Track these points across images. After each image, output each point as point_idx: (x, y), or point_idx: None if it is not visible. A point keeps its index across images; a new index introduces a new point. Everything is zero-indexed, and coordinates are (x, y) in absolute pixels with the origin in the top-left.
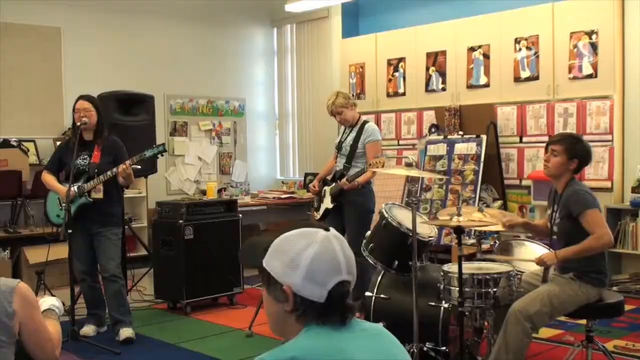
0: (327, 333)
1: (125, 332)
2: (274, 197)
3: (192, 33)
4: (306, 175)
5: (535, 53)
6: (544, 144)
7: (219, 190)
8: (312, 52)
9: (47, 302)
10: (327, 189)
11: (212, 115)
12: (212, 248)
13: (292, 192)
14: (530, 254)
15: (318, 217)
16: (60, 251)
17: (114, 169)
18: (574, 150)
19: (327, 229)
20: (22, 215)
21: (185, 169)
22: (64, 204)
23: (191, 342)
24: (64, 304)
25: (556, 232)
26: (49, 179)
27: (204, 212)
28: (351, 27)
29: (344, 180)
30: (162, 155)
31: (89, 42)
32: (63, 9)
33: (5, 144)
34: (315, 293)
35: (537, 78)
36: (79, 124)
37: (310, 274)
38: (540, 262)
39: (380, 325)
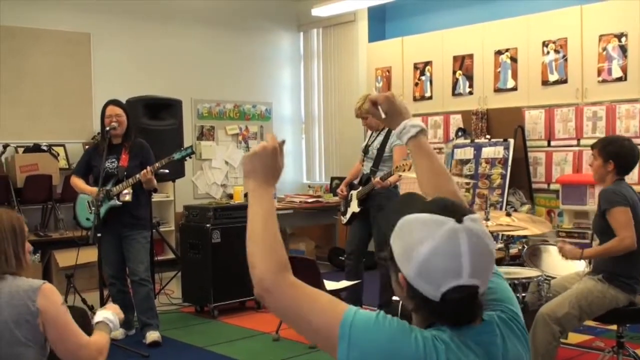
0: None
1: (152, 336)
2: (300, 201)
3: (219, 38)
4: (332, 179)
5: (564, 56)
6: (573, 148)
7: (246, 194)
8: (339, 56)
9: (101, 314)
10: (354, 192)
11: (239, 119)
12: (239, 252)
13: (319, 196)
14: (558, 258)
15: (345, 221)
16: (90, 254)
17: (139, 174)
18: (606, 152)
19: (460, 219)
20: (52, 219)
21: (212, 173)
22: (93, 208)
23: (219, 346)
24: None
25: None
26: (78, 182)
27: (231, 216)
28: (377, 31)
29: (377, 179)
30: (190, 158)
31: (117, 48)
32: (92, 15)
33: (36, 148)
34: (429, 292)
35: (565, 81)
36: (108, 128)
37: (423, 272)
38: (562, 251)
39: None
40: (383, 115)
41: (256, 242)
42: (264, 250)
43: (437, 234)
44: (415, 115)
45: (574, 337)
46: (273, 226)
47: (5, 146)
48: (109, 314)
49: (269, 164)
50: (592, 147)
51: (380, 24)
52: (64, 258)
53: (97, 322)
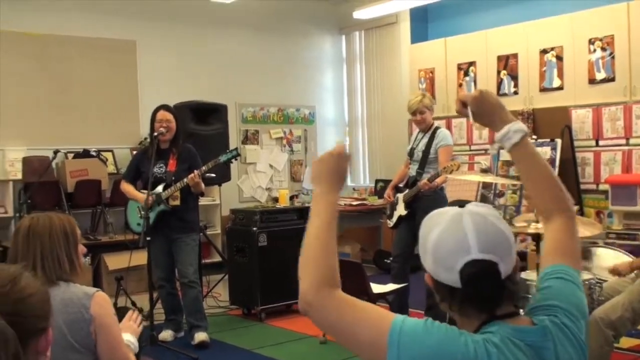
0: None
1: (200, 336)
2: (345, 204)
3: (262, 42)
4: (377, 181)
5: (611, 54)
6: (622, 147)
7: (291, 198)
8: (381, 59)
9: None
10: (400, 196)
11: (282, 123)
12: (285, 255)
13: (364, 199)
14: (608, 260)
15: (391, 225)
16: (139, 258)
17: (187, 178)
18: None
19: (463, 205)
20: (102, 222)
21: (257, 177)
22: (143, 212)
23: (266, 348)
24: (145, 341)
25: None
26: (127, 187)
27: (277, 219)
28: (420, 32)
29: (424, 181)
30: (235, 160)
31: (163, 54)
32: (138, 22)
33: (85, 154)
34: (449, 278)
35: (612, 79)
36: (156, 134)
37: (437, 258)
38: (614, 271)
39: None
40: (471, 118)
41: (306, 255)
42: (309, 265)
43: (443, 220)
44: (459, 117)
45: (626, 342)
46: (326, 238)
47: (56, 152)
48: (129, 337)
49: (333, 168)
50: None
51: (423, 25)
52: (113, 261)
53: None
